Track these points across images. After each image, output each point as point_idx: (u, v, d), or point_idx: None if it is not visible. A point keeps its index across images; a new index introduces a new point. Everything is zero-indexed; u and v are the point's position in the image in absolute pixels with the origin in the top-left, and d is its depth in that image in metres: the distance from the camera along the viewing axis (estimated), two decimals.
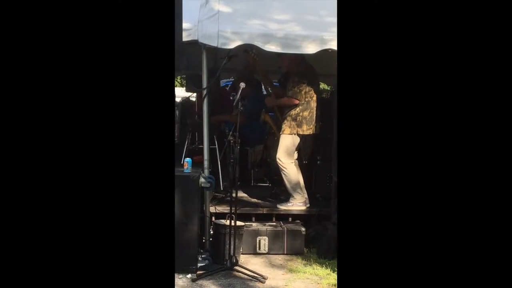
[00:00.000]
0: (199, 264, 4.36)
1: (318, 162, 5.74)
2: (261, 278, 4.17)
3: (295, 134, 5.19)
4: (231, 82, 8.50)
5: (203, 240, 4.76)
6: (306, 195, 5.29)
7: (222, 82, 9.18)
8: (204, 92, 4.88)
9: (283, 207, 5.27)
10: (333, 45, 4.59)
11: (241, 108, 4.43)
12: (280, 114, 5.47)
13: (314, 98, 5.23)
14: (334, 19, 2.95)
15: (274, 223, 5.09)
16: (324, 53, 4.69)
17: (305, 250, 4.93)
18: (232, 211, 4.44)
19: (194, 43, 4.75)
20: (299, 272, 4.41)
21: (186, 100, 7.14)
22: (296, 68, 5.27)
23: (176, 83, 22.42)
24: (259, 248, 4.88)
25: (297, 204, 5.22)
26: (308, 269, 4.46)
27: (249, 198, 5.70)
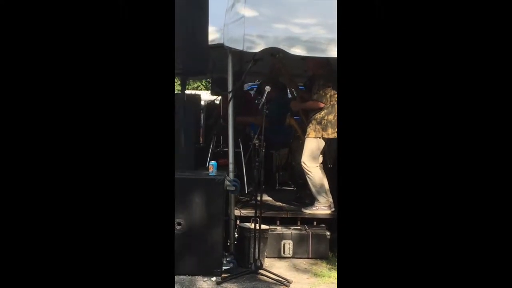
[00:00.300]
0: (224, 267, 4.37)
1: None
2: (285, 282, 4.16)
3: (320, 137, 5.17)
4: (256, 86, 8.53)
5: (228, 243, 4.78)
6: (331, 199, 5.26)
7: (247, 86, 9.21)
8: (230, 95, 4.91)
9: (308, 211, 5.26)
10: None
11: (267, 111, 4.43)
12: (305, 117, 5.46)
13: None
14: None
15: (299, 227, 5.07)
16: None
17: (330, 254, 4.90)
18: (257, 215, 4.44)
19: (220, 47, 4.77)
20: (323, 276, 4.39)
21: (211, 103, 7.18)
22: (321, 72, 5.26)
23: (201, 86, 22.57)
24: (284, 252, 4.87)
25: (322, 208, 5.20)
26: (333, 273, 4.43)
27: (274, 202, 5.70)
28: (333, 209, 5.24)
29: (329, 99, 5.16)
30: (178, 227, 4.24)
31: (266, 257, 4.73)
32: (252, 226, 4.50)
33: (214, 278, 4.22)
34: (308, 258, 4.86)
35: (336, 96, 5.18)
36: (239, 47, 4.69)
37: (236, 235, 4.81)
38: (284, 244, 4.86)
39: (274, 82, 6.03)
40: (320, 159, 5.31)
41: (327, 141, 5.21)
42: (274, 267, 4.60)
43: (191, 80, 16.16)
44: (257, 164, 4.42)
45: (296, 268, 4.64)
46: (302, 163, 5.21)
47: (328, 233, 4.93)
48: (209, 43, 4.60)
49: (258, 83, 8.12)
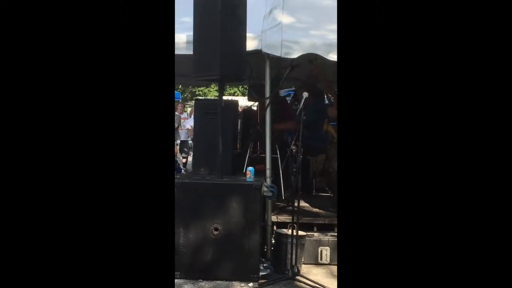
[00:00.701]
0: (261, 273, 4.38)
1: None
2: None
3: None
4: (292, 92, 8.52)
5: (265, 249, 4.78)
6: None
7: (283, 92, 9.21)
8: (267, 101, 4.92)
9: None
10: None
11: (304, 117, 4.43)
12: None
13: None
14: None
15: (336, 233, 5.04)
16: None
17: None
18: (294, 221, 4.43)
19: (257, 53, 4.79)
20: None
21: (247, 109, 7.20)
22: None
23: (237, 92, 22.68)
24: (321, 258, 4.84)
25: None
26: None
27: (311, 208, 5.67)
28: None
29: None
30: (215, 233, 4.27)
31: (303, 264, 4.72)
32: (289, 232, 4.49)
33: (251, 284, 4.24)
34: None
35: None
36: (276, 53, 4.70)
37: (273, 241, 4.81)
38: (321, 251, 4.84)
39: (311, 88, 6.01)
40: None
41: None
42: (311, 273, 4.59)
43: (227, 86, 16.26)
44: (294, 170, 4.41)
45: (333, 275, 4.59)
46: None
47: None
48: (247, 49, 4.63)
49: (294, 89, 8.11)
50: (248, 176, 4.51)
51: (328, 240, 4.87)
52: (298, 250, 4.40)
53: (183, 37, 4.77)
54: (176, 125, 11.27)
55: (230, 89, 22.41)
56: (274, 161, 5.30)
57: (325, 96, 6.61)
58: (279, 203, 5.52)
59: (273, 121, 5.11)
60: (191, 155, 10.25)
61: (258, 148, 5.80)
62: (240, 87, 20.77)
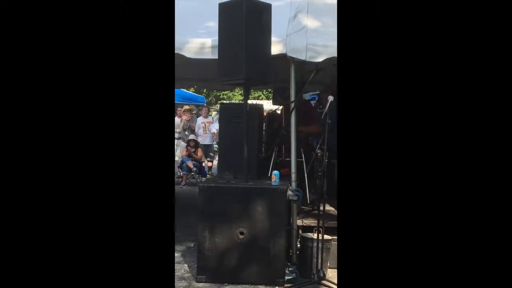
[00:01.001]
0: (287, 277, 4.37)
1: None
2: None
3: None
4: (316, 95, 8.50)
5: (290, 253, 4.77)
6: None
7: (308, 95, 9.18)
8: (292, 105, 4.91)
9: None
10: None
11: (329, 121, 4.41)
12: None
13: None
14: None
15: None
16: None
17: None
18: (320, 225, 4.42)
19: (282, 57, 4.79)
20: None
21: (272, 113, 7.21)
22: None
23: (262, 95, 22.71)
24: None
25: None
26: None
27: (336, 212, 5.64)
28: None
29: None
30: (241, 236, 4.27)
31: (329, 268, 4.69)
32: (315, 236, 4.48)
33: None
34: None
35: None
36: (301, 57, 4.70)
37: (299, 245, 4.79)
38: None
39: (335, 91, 5.98)
40: None
41: None
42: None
43: (252, 90, 16.28)
44: (319, 173, 4.40)
45: None
46: None
47: None
48: (272, 53, 4.63)
49: (318, 92, 8.08)
50: (273, 180, 4.51)
51: None
52: (324, 254, 4.39)
53: (209, 42, 4.80)
54: (193, 125, 11.36)
55: (255, 93, 22.45)
56: (299, 164, 5.29)
57: None
58: (304, 207, 5.50)
59: (298, 125, 5.10)
60: (216, 159, 10.29)
61: (283, 152, 5.80)
62: (265, 90, 20.78)
